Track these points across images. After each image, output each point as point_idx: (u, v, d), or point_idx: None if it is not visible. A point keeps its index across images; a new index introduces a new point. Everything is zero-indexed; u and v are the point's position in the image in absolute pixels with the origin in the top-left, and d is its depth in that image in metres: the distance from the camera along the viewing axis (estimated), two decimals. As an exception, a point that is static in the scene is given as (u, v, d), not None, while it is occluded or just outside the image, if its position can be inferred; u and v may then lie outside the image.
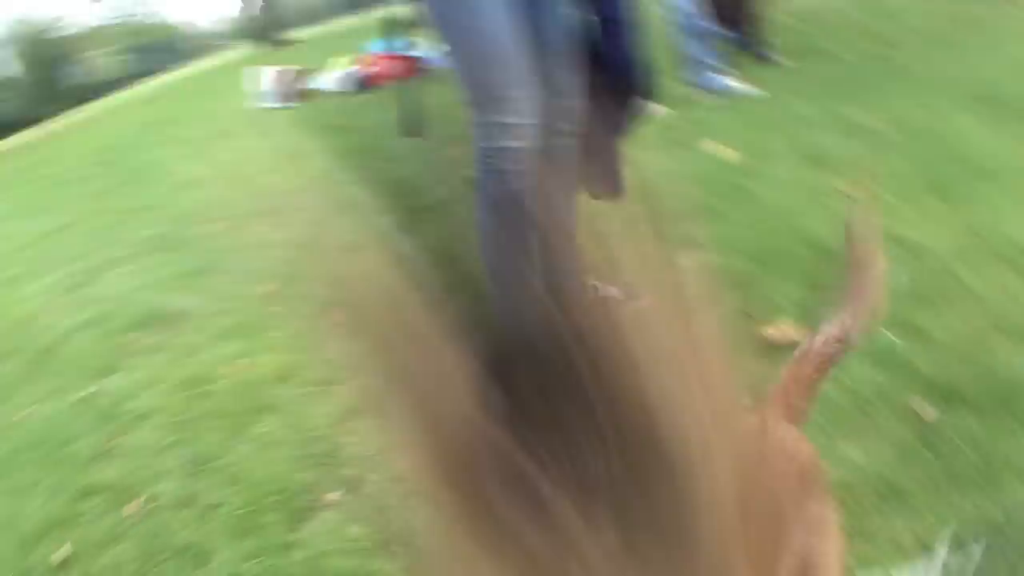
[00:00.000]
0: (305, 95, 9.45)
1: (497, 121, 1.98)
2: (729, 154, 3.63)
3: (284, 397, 2.47)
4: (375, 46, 9.03)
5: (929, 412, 1.74)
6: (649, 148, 3.93)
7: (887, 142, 3.38)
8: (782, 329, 2.11)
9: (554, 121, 2.23)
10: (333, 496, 1.94)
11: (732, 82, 4.79)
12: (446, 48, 1.99)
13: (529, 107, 2.00)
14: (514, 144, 2.00)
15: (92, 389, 2.90)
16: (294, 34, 21.61)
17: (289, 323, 2.97)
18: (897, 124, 3.53)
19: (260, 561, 1.78)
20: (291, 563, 1.76)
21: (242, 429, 2.35)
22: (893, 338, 2.01)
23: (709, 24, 4.95)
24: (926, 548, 1.42)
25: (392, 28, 9.78)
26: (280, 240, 4.01)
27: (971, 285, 2.20)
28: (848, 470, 1.63)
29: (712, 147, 3.76)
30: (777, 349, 2.06)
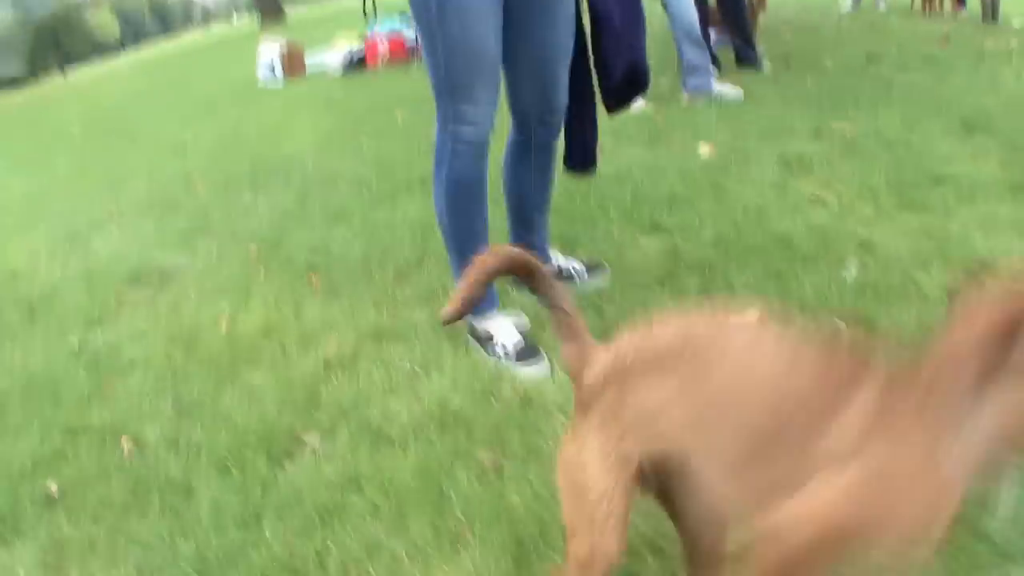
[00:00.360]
0: (307, 70, 9.51)
1: (459, 110, 2.15)
2: (708, 152, 3.76)
3: (267, 350, 2.59)
4: (380, 26, 9.10)
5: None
6: (633, 142, 4.06)
7: (860, 150, 3.52)
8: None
9: (544, 114, 2.38)
10: (312, 439, 2.06)
11: (719, 86, 4.92)
12: (422, 37, 2.14)
13: (489, 98, 2.16)
14: (471, 131, 2.18)
15: (83, 338, 2.99)
16: (299, 10, 21.53)
17: (273, 283, 3.10)
18: (873, 134, 3.67)
19: (242, 495, 1.90)
20: (271, 497, 1.88)
21: (227, 379, 2.46)
22: (839, 324, 2.15)
23: (707, 32, 5.08)
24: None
25: (374, 11, 9.87)
26: (266, 206, 4.13)
27: (919, 282, 2.35)
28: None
29: (692, 145, 3.89)
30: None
